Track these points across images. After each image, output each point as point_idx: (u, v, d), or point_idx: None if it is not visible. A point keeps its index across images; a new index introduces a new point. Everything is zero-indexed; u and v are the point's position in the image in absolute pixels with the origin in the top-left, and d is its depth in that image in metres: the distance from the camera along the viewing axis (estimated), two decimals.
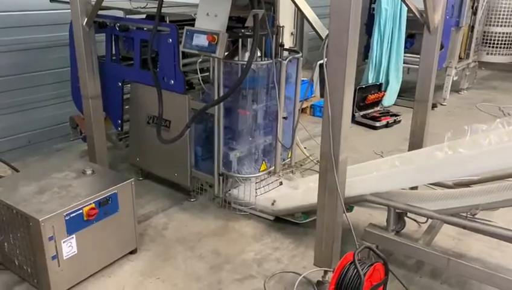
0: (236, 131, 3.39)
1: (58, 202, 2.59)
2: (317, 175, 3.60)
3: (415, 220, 3.35)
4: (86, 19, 3.45)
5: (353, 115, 5.54)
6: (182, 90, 3.40)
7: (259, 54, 3.37)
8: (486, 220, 2.67)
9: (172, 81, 3.41)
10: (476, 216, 2.59)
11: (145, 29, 3.56)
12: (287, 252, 3.14)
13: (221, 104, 3.26)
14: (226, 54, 3.14)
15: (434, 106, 6.54)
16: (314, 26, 2.40)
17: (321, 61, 2.37)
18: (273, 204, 3.40)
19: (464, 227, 2.69)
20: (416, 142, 3.77)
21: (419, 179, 2.79)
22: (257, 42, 2.74)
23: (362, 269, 2.27)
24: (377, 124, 5.58)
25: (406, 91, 6.66)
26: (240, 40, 3.19)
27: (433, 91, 3.69)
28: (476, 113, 6.37)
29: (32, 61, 4.37)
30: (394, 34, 6.12)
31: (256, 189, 3.39)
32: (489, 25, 7.46)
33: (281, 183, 3.34)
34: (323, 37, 2.31)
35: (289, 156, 3.69)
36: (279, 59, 3.23)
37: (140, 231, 3.23)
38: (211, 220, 3.52)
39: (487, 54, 7.61)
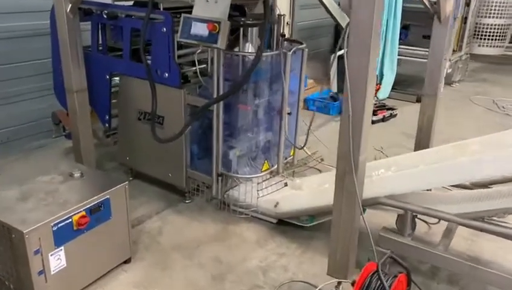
0: (236, 127, 3.14)
1: (44, 210, 2.31)
2: (322, 175, 3.43)
3: (425, 221, 3.18)
4: (70, 6, 3.14)
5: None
6: (177, 84, 3.13)
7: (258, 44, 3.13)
8: (503, 222, 2.51)
9: (167, 74, 3.14)
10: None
11: (134, 17, 3.27)
12: (293, 259, 2.93)
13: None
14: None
15: None
16: (333, 13, 2.16)
17: (340, 53, 2.14)
18: (276, 206, 3.18)
19: (485, 231, 2.52)
20: (423, 137, 3.61)
21: (442, 180, 2.59)
22: (266, 31, 2.49)
23: (386, 281, 2.08)
24: (374, 118, 5.39)
25: (399, 84, 6.52)
26: (241, 29, 2.95)
27: (442, 84, 3.51)
28: (471, 106, 6.25)
29: (10, 51, 4.02)
30: (389, 24, 5.93)
31: (258, 190, 3.16)
32: (481, 17, 7.34)
33: (285, 185, 3.12)
34: (344, 26, 2.08)
35: (291, 154, 3.46)
36: (284, 50, 2.99)
37: (133, 238, 2.97)
38: (209, 223, 3.27)
39: (479, 46, 7.51)
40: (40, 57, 4.12)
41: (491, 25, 7.29)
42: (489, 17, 7.23)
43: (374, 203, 2.71)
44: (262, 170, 3.20)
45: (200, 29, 2.73)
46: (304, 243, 3.07)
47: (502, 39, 7.54)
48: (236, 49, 3.02)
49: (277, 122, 3.19)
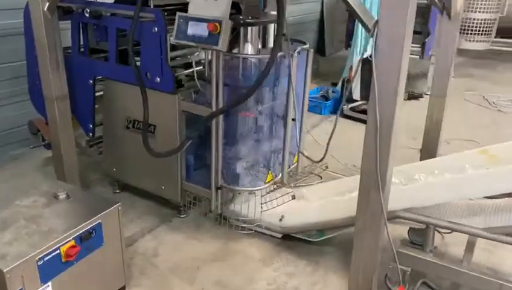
0: (237, 136, 2.87)
1: (27, 242, 2.00)
2: (329, 184, 3.19)
3: (439, 231, 2.98)
4: (47, 4, 2.80)
5: (341, 108, 5.14)
6: (170, 89, 2.84)
7: (259, 45, 2.87)
8: None
9: (159, 79, 2.84)
10: None
11: (120, 15, 2.96)
12: (304, 279, 2.69)
13: (220, 104, 2.72)
14: None
15: (419, 96, 6.29)
16: (357, 11, 1.92)
17: (365, 56, 1.90)
18: (281, 220, 2.93)
19: None
20: (431, 141, 3.44)
21: (467, 192, 2.39)
22: (282, 29, 2.22)
23: None
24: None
25: None
26: (242, 28, 2.68)
27: (452, 85, 3.33)
28: (464, 103, 6.13)
29: None
30: None
31: (262, 204, 2.91)
32: (468, 11, 7.24)
33: (293, 198, 2.87)
34: (369, 26, 1.84)
35: (294, 161, 3.21)
36: (290, 51, 2.73)
37: (127, 261, 2.68)
38: (208, 240, 3.00)
39: (466, 40, 7.41)
40: (14, 59, 3.75)
41: (478, 19, 7.20)
42: (477, 11, 7.14)
43: (390, 217, 2.49)
44: (266, 181, 2.94)
45: (198, 29, 2.45)
46: (313, 259, 2.84)
47: (488, 34, 7.47)
48: (235, 51, 2.75)
49: (281, 129, 2.93)
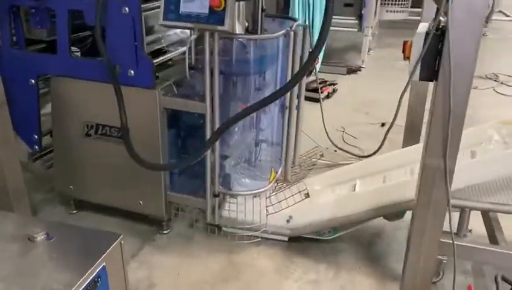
0: (233, 132, 2.45)
1: None
2: (330, 174, 2.91)
3: None
4: None
5: None
6: (149, 83, 2.31)
7: (246, 24, 2.45)
8: None
9: (133, 72, 2.29)
10: None
11: None
12: (331, 285, 2.39)
13: (215, 97, 2.27)
14: None
15: (357, 70, 6.25)
16: None
17: (424, 30, 1.61)
18: (288, 221, 2.59)
19: None
20: (415, 117, 3.29)
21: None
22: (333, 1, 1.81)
23: None
24: (322, 96, 5.00)
25: (324, 56, 6.22)
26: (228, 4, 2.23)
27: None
28: (397, 73, 6.17)
29: None
30: None
31: (267, 206, 2.54)
32: None
33: (307, 196, 2.53)
34: None
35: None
36: (288, 29, 2.34)
37: None
38: (207, 257, 2.57)
39: (386, 11, 7.55)
40: None
41: None
42: None
43: None
44: (270, 180, 2.56)
45: (195, 6, 1.96)
46: (332, 261, 2.55)
47: (405, 4, 7.70)
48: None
49: (280, 119, 2.56)
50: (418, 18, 7.77)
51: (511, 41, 7.57)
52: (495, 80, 5.55)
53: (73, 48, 2.52)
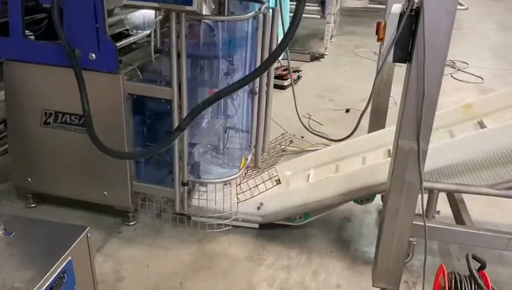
0: (202, 118, 2.37)
1: None
2: (299, 158, 2.89)
3: None
4: None
5: None
6: (113, 67, 2.19)
7: (213, 6, 2.37)
8: None
9: (94, 55, 2.17)
10: None
11: None
12: (303, 270, 2.38)
13: (183, 82, 2.19)
14: None
15: (320, 56, 6.26)
16: None
17: (398, 11, 1.59)
18: (259, 208, 2.55)
19: None
20: (381, 101, 3.30)
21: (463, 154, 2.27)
22: None
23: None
24: (285, 82, 4.98)
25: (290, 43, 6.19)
26: None
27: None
28: (358, 59, 6.23)
29: None
30: None
31: (237, 194, 2.49)
32: None
33: (278, 182, 2.48)
34: None
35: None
36: (262, 12, 2.27)
37: None
38: (177, 248, 2.49)
39: None
40: None
41: None
42: None
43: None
44: (240, 167, 2.51)
45: None
46: (302, 246, 2.54)
47: None
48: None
49: (249, 104, 2.50)
50: (378, 6, 7.95)
51: (465, 29, 7.80)
52: (452, 67, 5.70)
53: (26, 32, 2.37)
